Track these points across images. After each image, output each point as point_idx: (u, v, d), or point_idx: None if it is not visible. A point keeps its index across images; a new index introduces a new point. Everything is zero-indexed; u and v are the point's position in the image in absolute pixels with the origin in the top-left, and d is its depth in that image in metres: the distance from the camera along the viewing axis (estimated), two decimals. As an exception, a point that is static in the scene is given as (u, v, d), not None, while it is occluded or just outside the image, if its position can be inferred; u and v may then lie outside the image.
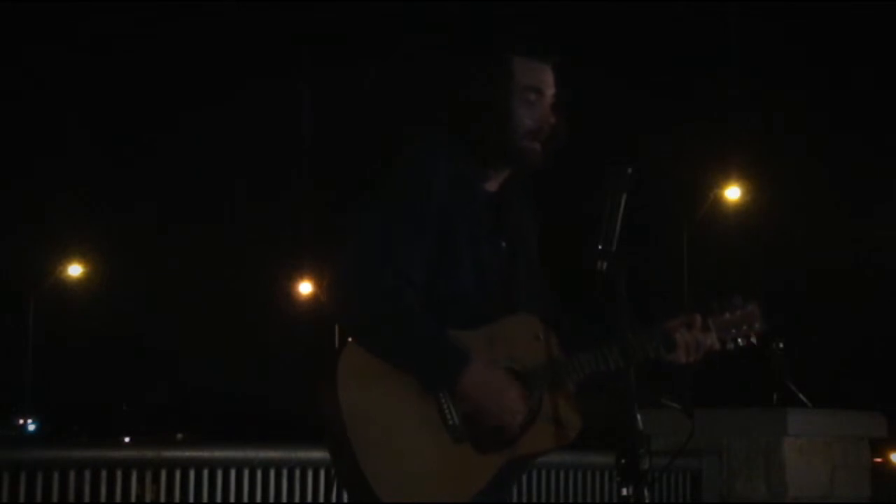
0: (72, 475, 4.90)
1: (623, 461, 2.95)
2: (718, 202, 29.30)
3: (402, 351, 3.11)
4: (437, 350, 3.12)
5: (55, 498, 4.84)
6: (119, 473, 5.03)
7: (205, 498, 5.21)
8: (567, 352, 3.29)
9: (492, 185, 3.37)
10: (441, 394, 3.12)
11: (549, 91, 3.31)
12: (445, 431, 3.12)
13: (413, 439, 3.09)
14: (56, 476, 4.87)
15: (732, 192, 29.26)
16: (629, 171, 3.12)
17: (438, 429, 3.11)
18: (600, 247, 3.05)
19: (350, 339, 3.14)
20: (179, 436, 25.53)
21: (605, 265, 3.04)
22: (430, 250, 3.21)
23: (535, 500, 6.26)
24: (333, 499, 5.51)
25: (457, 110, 3.34)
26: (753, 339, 3.49)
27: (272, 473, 5.42)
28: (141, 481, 5.11)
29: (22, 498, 4.79)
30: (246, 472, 5.35)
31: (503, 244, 3.36)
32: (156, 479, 5.17)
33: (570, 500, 6.40)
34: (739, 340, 3.47)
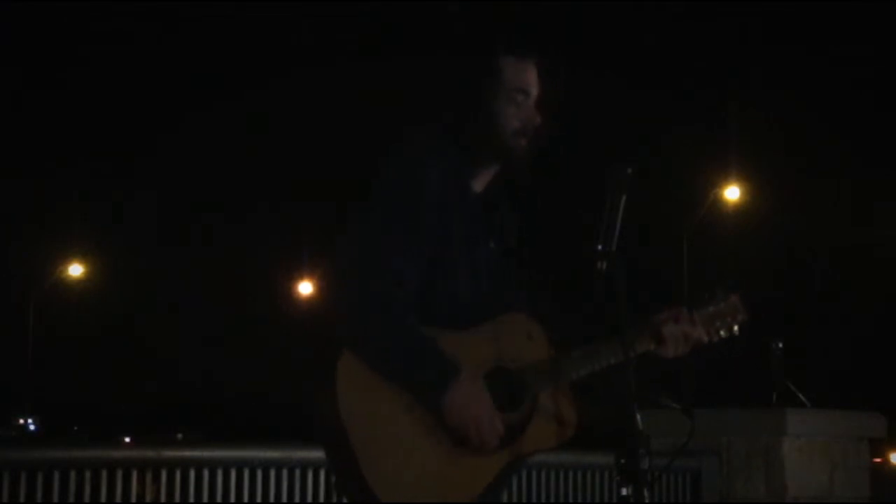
0: (72, 475, 4.90)
1: (623, 461, 2.95)
2: (718, 202, 29.29)
3: (389, 364, 3.11)
4: (423, 367, 3.11)
5: (55, 498, 4.84)
6: (119, 473, 5.02)
7: (205, 498, 5.21)
8: (561, 350, 3.30)
9: (478, 185, 3.39)
10: None
11: (535, 90, 3.33)
12: (445, 433, 3.12)
13: (414, 442, 3.10)
14: (56, 476, 4.87)
15: (732, 193, 29.25)
16: (629, 171, 3.12)
17: (439, 431, 3.12)
18: (600, 247, 3.06)
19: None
20: (179, 436, 25.51)
21: (604, 265, 3.05)
22: (426, 252, 3.21)
23: (535, 500, 6.26)
24: (343, 499, 5.51)
25: (447, 109, 3.35)
26: (736, 330, 3.51)
27: (272, 473, 5.41)
28: (141, 481, 5.11)
29: (22, 498, 4.79)
30: (246, 472, 5.35)
31: (492, 244, 3.38)
32: (156, 479, 5.17)
33: (570, 500, 6.40)
34: (723, 332, 3.49)
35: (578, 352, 3.29)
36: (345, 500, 5.49)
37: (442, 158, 3.28)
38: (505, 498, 3.51)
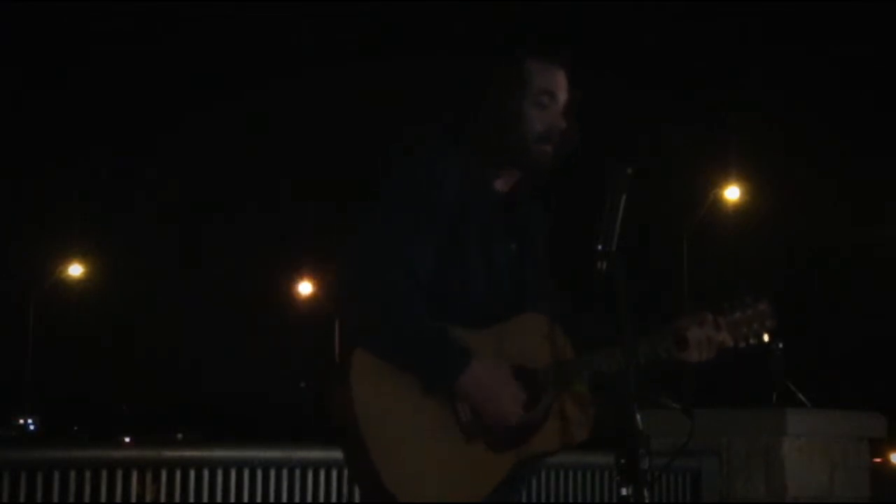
0: (72, 475, 4.90)
1: (623, 461, 2.94)
2: (718, 202, 29.30)
3: (403, 351, 3.11)
4: (439, 350, 3.11)
5: (55, 498, 4.84)
6: (119, 473, 5.02)
7: (205, 498, 5.21)
8: (576, 352, 3.29)
9: (503, 186, 3.36)
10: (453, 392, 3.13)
11: (562, 95, 3.30)
12: (458, 429, 3.12)
13: (426, 438, 3.09)
14: (56, 476, 4.87)
15: (732, 193, 29.25)
16: (629, 171, 3.11)
17: (451, 427, 3.12)
18: (600, 247, 3.05)
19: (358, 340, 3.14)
20: (179, 436, 25.53)
21: (604, 265, 3.04)
22: (438, 250, 3.20)
23: (535, 500, 6.26)
24: (343, 499, 5.51)
25: (466, 110, 3.33)
26: (766, 337, 3.47)
27: (272, 473, 5.41)
28: (141, 481, 5.11)
29: (22, 498, 4.79)
30: (246, 472, 5.35)
31: (513, 244, 3.36)
32: (156, 479, 5.17)
33: (570, 500, 6.40)
34: (751, 339, 3.45)
35: (593, 355, 3.27)
36: (345, 501, 5.50)
37: (453, 158, 3.26)
38: (521, 499, 3.49)
